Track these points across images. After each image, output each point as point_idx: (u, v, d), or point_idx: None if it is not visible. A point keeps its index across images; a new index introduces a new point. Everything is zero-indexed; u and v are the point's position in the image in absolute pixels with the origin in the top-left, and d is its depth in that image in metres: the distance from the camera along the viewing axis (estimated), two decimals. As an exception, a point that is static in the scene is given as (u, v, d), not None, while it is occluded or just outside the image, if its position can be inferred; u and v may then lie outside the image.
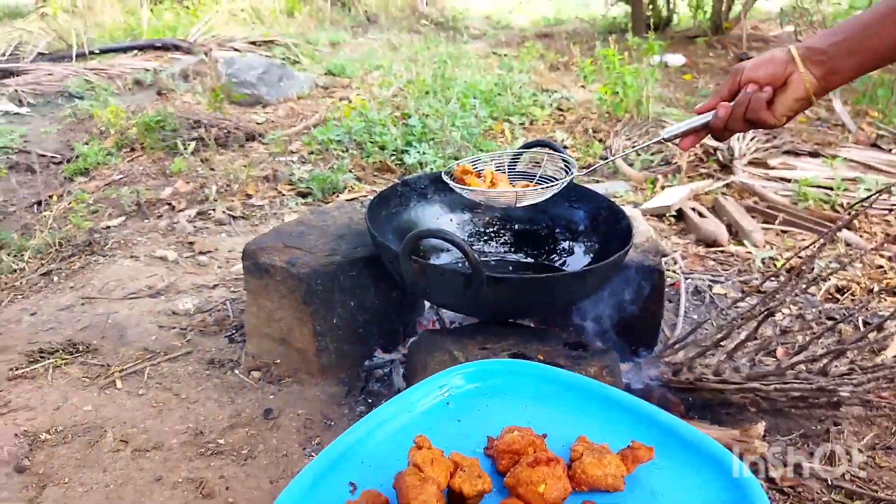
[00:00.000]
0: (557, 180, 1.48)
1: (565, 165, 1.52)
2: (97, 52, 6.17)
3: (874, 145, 3.85)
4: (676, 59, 6.05)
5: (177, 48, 6.25)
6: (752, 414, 1.62)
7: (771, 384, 1.57)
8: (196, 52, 6.06)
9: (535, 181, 1.55)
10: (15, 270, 2.53)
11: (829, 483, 1.46)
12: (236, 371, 1.84)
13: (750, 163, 3.54)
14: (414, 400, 0.98)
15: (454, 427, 0.95)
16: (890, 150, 3.73)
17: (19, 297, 2.35)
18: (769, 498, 1.38)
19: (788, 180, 3.32)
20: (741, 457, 1.49)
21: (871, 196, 1.66)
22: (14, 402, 1.75)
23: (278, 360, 1.84)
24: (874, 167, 3.43)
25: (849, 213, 1.97)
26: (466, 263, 1.37)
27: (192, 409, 1.69)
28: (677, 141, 1.19)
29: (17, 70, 5.66)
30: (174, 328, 2.05)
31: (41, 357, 1.93)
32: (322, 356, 1.78)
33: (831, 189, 3.10)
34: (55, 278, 2.45)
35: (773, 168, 3.48)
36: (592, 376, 1.38)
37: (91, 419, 1.66)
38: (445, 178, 1.51)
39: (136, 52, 6.31)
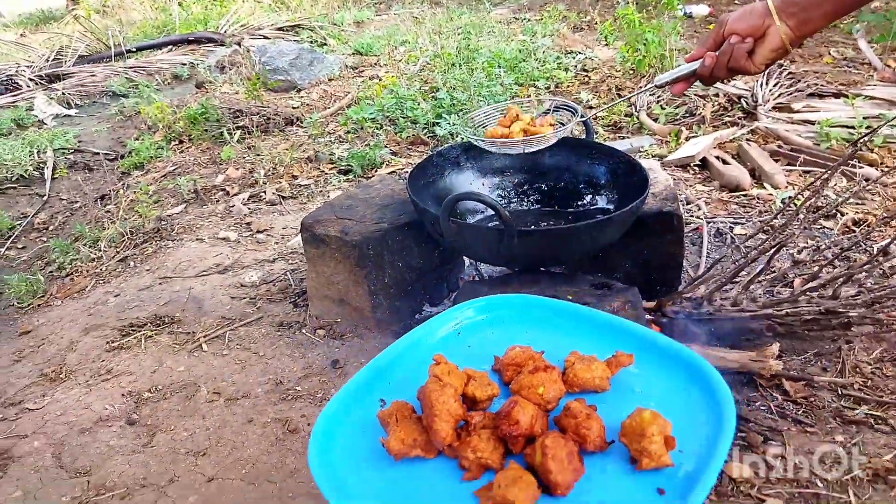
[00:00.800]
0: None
1: (579, 118, 1.70)
2: (134, 50, 6.44)
3: (899, 81, 3.87)
4: (701, 10, 6.03)
5: (209, 41, 6.48)
6: (768, 339, 1.78)
7: (784, 310, 1.74)
8: (228, 43, 6.29)
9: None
10: (93, 259, 2.81)
11: (839, 392, 1.63)
12: (303, 331, 2.08)
13: (774, 108, 3.62)
14: (431, 330, 1.16)
15: (465, 351, 1.12)
16: (915, 84, 3.75)
17: (101, 282, 2.63)
18: (785, 412, 1.56)
19: (812, 122, 3.40)
20: (753, 374, 1.67)
21: (874, 130, 1.77)
22: (115, 369, 2.02)
23: (339, 319, 2.07)
24: (898, 102, 3.47)
25: (854, 150, 2.07)
26: (499, 220, 1.55)
27: (270, 363, 1.93)
28: (669, 87, 1.32)
29: (62, 74, 5.97)
30: (244, 298, 2.29)
31: (132, 330, 2.19)
32: (377, 312, 2.00)
33: (853, 128, 3.17)
34: (131, 263, 2.72)
35: (797, 112, 3.55)
36: (615, 310, 1.57)
37: (185, 378, 1.91)
38: (465, 132, 1.73)
39: (170, 47, 6.57)
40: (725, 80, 3.28)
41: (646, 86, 1.41)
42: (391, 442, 0.90)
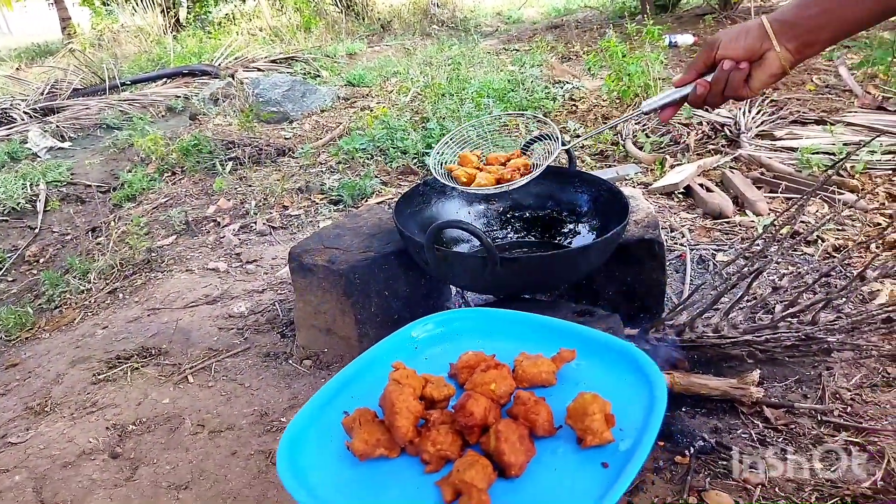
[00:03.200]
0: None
1: (560, 147, 1.73)
2: (128, 83, 6.51)
3: (880, 108, 3.94)
4: (686, 39, 6.15)
5: (204, 73, 6.56)
6: (750, 365, 1.80)
7: (764, 336, 1.75)
8: (222, 75, 6.37)
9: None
10: (83, 291, 2.81)
11: (819, 419, 1.64)
12: (290, 361, 2.08)
13: (757, 135, 3.68)
14: (390, 347, 1.22)
15: (422, 363, 1.19)
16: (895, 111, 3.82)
17: (90, 314, 2.64)
18: (766, 439, 1.57)
19: (794, 149, 3.45)
20: (735, 401, 1.69)
21: (848, 154, 1.81)
22: (100, 401, 2.01)
23: (326, 349, 2.08)
24: (878, 129, 3.53)
25: (828, 175, 2.11)
26: (482, 248, 1.58)
27: (256, 394, 1.93)
28: (657, 113, 1.24)
29: (57, 107, 6.03)
30: (232, 329, 2.30)
31: (119, 362, 2.20)
32: (363, 342, 2.01)
33: (834, 154, 3.23)
34: (120, 295, 2.73)
35: (779, 139, 3.62)
36: (598, 337, 1.58)
37: (170, 410, 1.91)
38: (437, 174, 1.75)
39: (165, 80, 6.65)
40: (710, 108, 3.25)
41: (632, 113, 1.37)
42: (355, 443, 0.95)
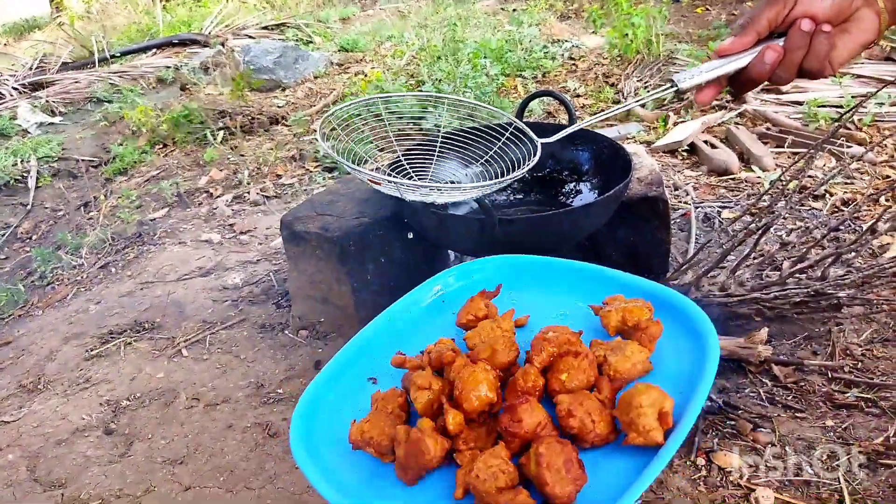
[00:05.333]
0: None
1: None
2: (118, 54, 6.38)
3: (888, 58, 3.83)
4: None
5: (194, 42, 6.42)
6: (757, 323, 1.75)
7: (772, 293, 1.70)
8: (213, 44, 6.23)
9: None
10: (75, 267, 2.77)
11: (830, 376, 1.59)
12: (286, 332, 2.04)
13: (762, 90, 3.58)
14: (414, 301, 1.10)
15: (451, 318, 1.07)
16: (904, 61, 3.71)
17: (83, 289, 2.59)
18: (775, 398, 1.53)
19: (800, 103, 3.36)
20: (742, 361, 1.64)
21: (857, 105, 1.74)
22: (94, 377, 1.98)
23: (322, 319, 2.03)
24: (887, 81, 3.43)
25: (835, 128, 2.03)
26: (479, 209, 1.51)
27: (252, 367, 1.89)
28: (693, 93, 0.94)
29: (46, 81, 5.91)
30: (227, 301, 2.25)
31: (111, 338, 2.15)
32: (360, 310, 1.96)
33: (842, 107, 3.14)
34: (112, 269, 2.68)
35: (785, 93, 3.52)
36: (600, 298, 1.53)
37: (164, 384, 1.88)
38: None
39: (154, 50, 6.51)
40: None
41: (658, 91, 1.02)
42: (352, 429, 0.85)
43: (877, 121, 3.02)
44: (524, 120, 2.03)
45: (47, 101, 5.38)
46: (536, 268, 1.11)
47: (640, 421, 0.76)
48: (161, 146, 4.07)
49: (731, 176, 2.73)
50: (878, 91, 2.98)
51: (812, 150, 1.75)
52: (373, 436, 0.83)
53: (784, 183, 1.82)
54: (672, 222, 2.28)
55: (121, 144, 4.18)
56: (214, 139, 3.77)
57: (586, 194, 1.94)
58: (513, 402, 0.81)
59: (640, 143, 3.18)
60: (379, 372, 0.98)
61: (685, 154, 3.02)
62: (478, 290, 1.10)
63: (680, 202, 2.52)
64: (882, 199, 2.31)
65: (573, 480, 0.74)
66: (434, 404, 0.86)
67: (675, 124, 3.33)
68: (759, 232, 1.73)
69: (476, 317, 1.01)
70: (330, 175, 3.24)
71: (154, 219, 3.05)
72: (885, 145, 2.81)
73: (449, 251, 2.18)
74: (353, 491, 0.81)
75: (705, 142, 3.05)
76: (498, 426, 0.82)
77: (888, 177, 2.50)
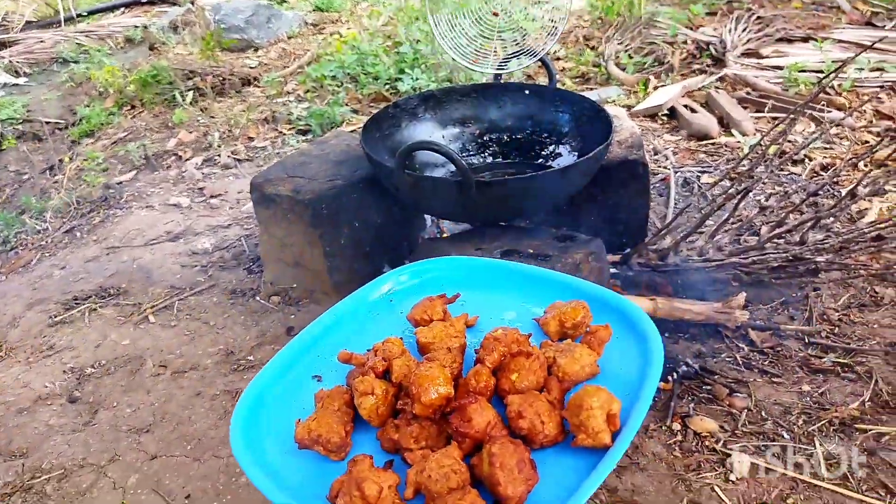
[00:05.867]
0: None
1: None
2: (84, 13, 6.14)
3: (868, 23, 3.81)
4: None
5: (163, 0, 6.20)
6: (735, 288, 1.73)
7: (750, 258, 1.68)
8: (182, 2, 6.02)
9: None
10: (39, 231, 2.67)
11: (806, 341, 1.58)
12: (257, 298, 1.98)
13: (743, 54, 3.54)
14: (362, 298, 1.09)
15: (398, 318, 1.06)
16: (884, 26, 3.69)
17: (47, 254, 2.50)
18: (751, 362, 1.51)
19: (781, 68, 3.33)
20: (719, 325, 1.62)
21: (839, 68, 1.70)
22: (58, 344, 1.91)
23: (294, 284, 1.98)
24: (867, 45, 3.41)
25: (815, 93, 1.99)
26: (456, 171, 1.46)
27: (221, 333, 1.84)
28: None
29: (9, 41, 5.68)
30: (196, 266, 2.19)
31: (76, 304, 2.08)
32: (334, 275, 1.91)
33: (822, 72, 3.11)
34: (78, 234, 2.59)
35: (765, 57, 3.48)
36: (578, 262, 1.50)
37: (130, 351, 1.82)
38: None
39: (122, 9, 6.28)
40: None
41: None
42: (298, 427, 0.82)
43: (856, 86, 3.00)
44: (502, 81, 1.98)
45: (11, 62, 5.18)
46: (488, 270, 1.13)
47: (589, 423, 0.76)
48: (129, 108, 3.94)
49: (711, 140, 2.70)
50: (857, 56, 2.96)
51: (792, 115, 1.71)
52: (321, 433, 0.80)
53: (764, 147, 1.79)
54: (651, 187, 2.25)
55: (87, 106, 4.05)
56: (184, 100, 3.65)
57: (566, 157, 1.90)
58: (462, 401, 0.80)
59: (621, 106, 3.13)
60: (324, 369, 0.96)
61: (665, 118, 2.98)
62: (428, 289, 1.10)
63: (659, 167, 2.49)
64: (861, 164, 2.29)
65: (525, 480, 0.73)
66: (378, 409, 0.84)
67: (656, 88, 3.29)
68: (739, 196, 1.70)
69: (431, 318, 1.00)
70: (304, 137, 3.16)
71: (121, 182, 2.95)
72: (865, 110, 2.80)
73: (426, 216, 2.13)
74: (299, 491, 0.78)
75: (685, 106, 3.02)
76: (448, 427, 0.81)
77: (867, 142, 2.49)
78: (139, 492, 1.39)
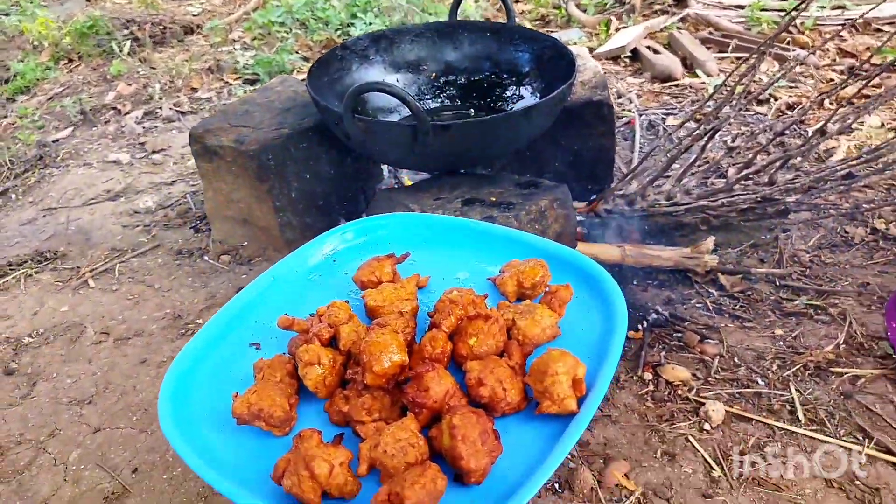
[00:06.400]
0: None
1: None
2: (12, -40, 5.73)
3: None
4: None
5: (96, -55, 5.80)
6: (703, 233, 1.68)
7: (718, 200, 1.62)
8: (118, -53, 5.64)
9: None
10: (-30, 195, 2.49)
11: (777, 284, 1.54)
12: (206, 258, 1.87)
13: (704, -6, 3.45)
14: (302, 259, 1.01)
15: (341, 278, 0.99)
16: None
17: (-21, 219, 2.33)
18: (722, 308, 1.47)
19: (743, 7, 3.25)
20: (688, 271, 1.58)
21: (793, 9, 1.62)
22: (-8, 314, 1.78)
23: (245, 242, 1.87)
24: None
25: (778, 31, 1.91)
26: (411, 115, 1.36)
27: (168, 296, 1.73)
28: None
29: (-70, -9, 5.28)
30: (138, 226, 2.05)
31: (11, 269, 1.94)
32: (286, 231, 1.80)
33: (784, 11, 3.05)
34: (12, 196, 2.42)
35: (728, -3, 3.40)
36: (543, 209, 1.42)
37: (69, 318, 1.70)
38: None
39: (53, -45, 5.87)
40: None
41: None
42: (236, 402, 0.74)
43: (819, 24, 2.95)
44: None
45: (-69, 13, 4.81)
46: (438, 227, 1.06)
47: (554, 389, 0.71)
48: (66, 61, 3.69)
49: (675, 82, 2.63)
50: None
51: (756, 54, 1.64)
52: (262, 408, 0.73)
53: (729, 88, 1.72)
54: (616, 131, 2.18)
55: (21, 61, 3.78)
56: (121, 51, 3.42)
57: (528, 99, 1.80)
58: (418, 370, 0.74)
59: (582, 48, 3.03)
60: (263, 337, 0.88)
61: (628, 61, 2.90)
62: (375, 248, 1.03)
63: (623, 110, 2.41)
64: (826, 102, 2.25)
65: (488, 452, 0.68)
66: (326, 379, 0.77)
67: (618, 30, 3.19)
68: (706, 138, 1.64)
69: (379, 280, 0.92)
70: (252, 87, 2.99)
71: (57, 139, 2.75)
72: (828, 49, 2.75)
73: (382, 166, 2.03)
74: (239, 471, 0.70)
75: (648, 47, 2.93)
76: (403, 398, 0.74)
77: (831, 80, 2.44)
78: (82, 467, 1.30)
